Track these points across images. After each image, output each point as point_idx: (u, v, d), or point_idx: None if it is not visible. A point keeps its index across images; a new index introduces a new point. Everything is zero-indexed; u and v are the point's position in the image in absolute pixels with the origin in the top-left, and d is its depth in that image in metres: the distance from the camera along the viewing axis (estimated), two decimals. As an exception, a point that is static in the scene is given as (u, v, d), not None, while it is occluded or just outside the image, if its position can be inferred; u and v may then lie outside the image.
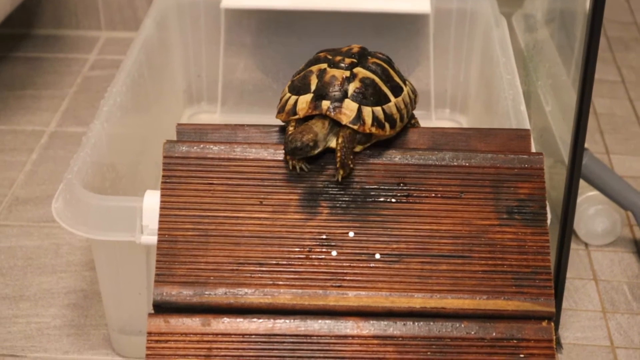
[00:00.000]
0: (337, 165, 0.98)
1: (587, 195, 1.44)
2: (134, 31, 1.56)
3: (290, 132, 0.98)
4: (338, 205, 0.99)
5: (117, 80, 1.32)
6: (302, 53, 1.16)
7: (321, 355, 0.93)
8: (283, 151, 1.00)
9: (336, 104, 0.98)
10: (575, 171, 1.18)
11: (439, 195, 0.99)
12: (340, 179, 0.99)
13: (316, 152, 0.98)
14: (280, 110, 1.01)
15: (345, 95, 0.99)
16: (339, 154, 0.98)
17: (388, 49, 1.51)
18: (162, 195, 0.99)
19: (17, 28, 1.97)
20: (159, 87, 1.47)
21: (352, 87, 1.00)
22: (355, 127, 0.98)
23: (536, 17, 1.55)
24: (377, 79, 1.01)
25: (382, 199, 0.99)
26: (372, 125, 0.98)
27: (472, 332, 0.95)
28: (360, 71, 1.01)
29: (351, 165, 0.99)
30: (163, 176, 1.00)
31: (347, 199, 0.99)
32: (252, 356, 0.93)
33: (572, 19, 1.32)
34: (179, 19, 1.54)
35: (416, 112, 1.13)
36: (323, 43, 1.40)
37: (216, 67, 1.57)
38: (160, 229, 0.98)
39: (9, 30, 1.95)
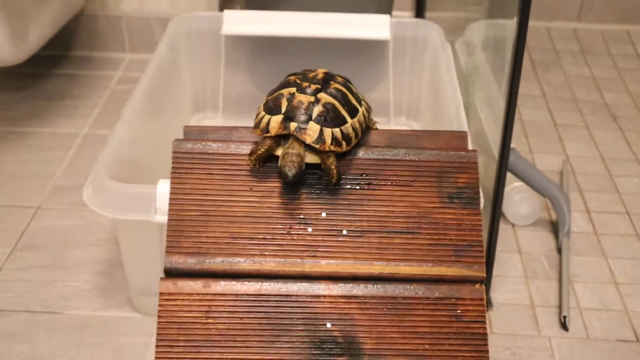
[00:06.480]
0: (336, 178, 0.97)
1: (513, 185, 1.45)
2: (152, 53, 1.56)
3: (281, 163, 0.95)
4: (313, 191, 0.99)
5: (137, 92, 1.31)
6: (287, 70, 1.16)
7: (299, 310, 0.94)
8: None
9: (302, 125, 0.96)
10: (503, 166, 1.19)
11: (394, 183, 1.00)
12: (338, 180, 0.98)
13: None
14: (256, 126, 0.99)
15: (310, 118, 0.97)
16: (334, 171, 0.96)
17: (355, 67, 1.52)
18: (171, 183, 0.99)
19: (57, 50, 1.96)
20: (171, 98, 1.47)
21: (316, 111, 0.97)
22: (317, 146, 0.96)
23: (475, 43, 1.56)
24: (337, 104, 0.99)
25: (348, 187, 0.99)
26: (331, 144, 0.96)
27: (420, 293, 0.95)
28: (323, 97, 0.98)
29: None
30: (172, 168, 1.00)
31: (320, 186, 0.99)
32: (244, 312, 0.93)
33: (502, 45, 1.32)
34: (188, 42, 1.54)
35: (377, 119, 1.13)
36: (303, 62, 1.41)
37: (218, 82, 1.57)
38: (170, 210, 0.97)
39: (50, 52, 1.95)
